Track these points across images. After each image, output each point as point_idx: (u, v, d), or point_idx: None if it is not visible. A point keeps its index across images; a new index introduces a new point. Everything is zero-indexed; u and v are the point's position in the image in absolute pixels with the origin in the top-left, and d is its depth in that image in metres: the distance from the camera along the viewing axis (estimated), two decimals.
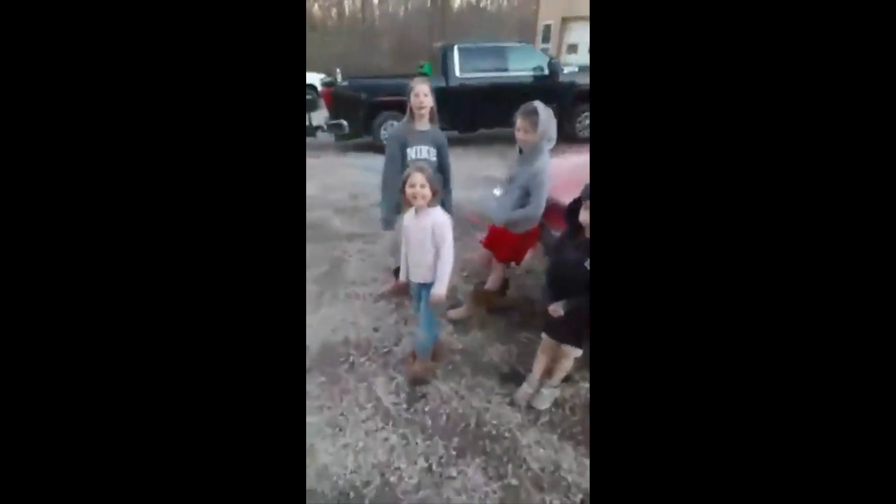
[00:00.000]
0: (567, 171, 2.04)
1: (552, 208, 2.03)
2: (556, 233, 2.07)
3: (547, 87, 6.06)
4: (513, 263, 2.34)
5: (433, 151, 2.25)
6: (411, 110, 2.19)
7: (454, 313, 2.42)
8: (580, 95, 6.12)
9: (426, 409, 1.84)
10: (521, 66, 6.10)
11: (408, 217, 1.85)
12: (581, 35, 10.86)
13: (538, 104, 1.93)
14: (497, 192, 2.82)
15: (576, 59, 8.84)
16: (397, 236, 2.44)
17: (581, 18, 10.76)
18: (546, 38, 11.46)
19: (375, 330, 2.33)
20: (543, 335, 1.80)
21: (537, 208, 1.99)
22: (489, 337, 2.28)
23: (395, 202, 2.32)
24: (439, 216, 1.74)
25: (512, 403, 1.85)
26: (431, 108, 2.18)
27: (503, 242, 2.19)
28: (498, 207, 2.16)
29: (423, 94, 2.13)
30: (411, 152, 2.22)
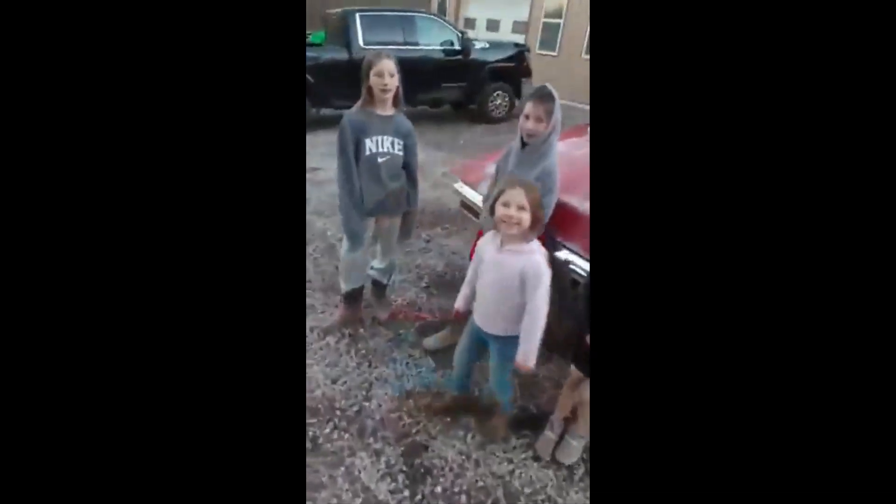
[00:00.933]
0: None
1: (556, 211, 1.67)
2: (566, 242, 1.72)
3: (459, 64, 5.74)
4: None
5: (399, 143, 1.74)
6: (370, 91, 1.64)
7: (431, 342, 1.96)
8: (492, 73, 5.88)
9: (436, 490, 1.39)
10: (431, 40, 5.62)
11: (487, 243, 1.35)
12: (478, 10, 10.59)
13: (551, 87, 1.54)
14: (459, 186, 2.38)
15: (473, 36, 8.56)
16: (356, 256, 1.88)
17: None
18: (442, 11, 11.00)
19: (334, 382, 1.78)
20: (573, 368, 1.46)
21: (547, 216, 1.62)
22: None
23: (365, 211, 1.77)
24: (535, 258, 1.25)
25: (537, 458, 1.50)
26: (397, 90, 1.66)
27: None
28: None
29: (388, 75, 1.60)
30: (370, 144, 1.68)
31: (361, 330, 2.06)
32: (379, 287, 2.14)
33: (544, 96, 1.54)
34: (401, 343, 2.00)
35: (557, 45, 8.23)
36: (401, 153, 1.75)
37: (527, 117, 1.56)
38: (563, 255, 1.74)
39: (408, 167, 1.82)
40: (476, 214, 2.26)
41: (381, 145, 1.70)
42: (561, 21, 8.05)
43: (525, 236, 1.26)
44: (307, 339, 1.98)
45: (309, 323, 2.07)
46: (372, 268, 2.08)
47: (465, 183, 2.41)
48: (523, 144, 1.64)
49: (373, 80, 1.61)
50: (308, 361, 1.85)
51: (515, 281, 1.26)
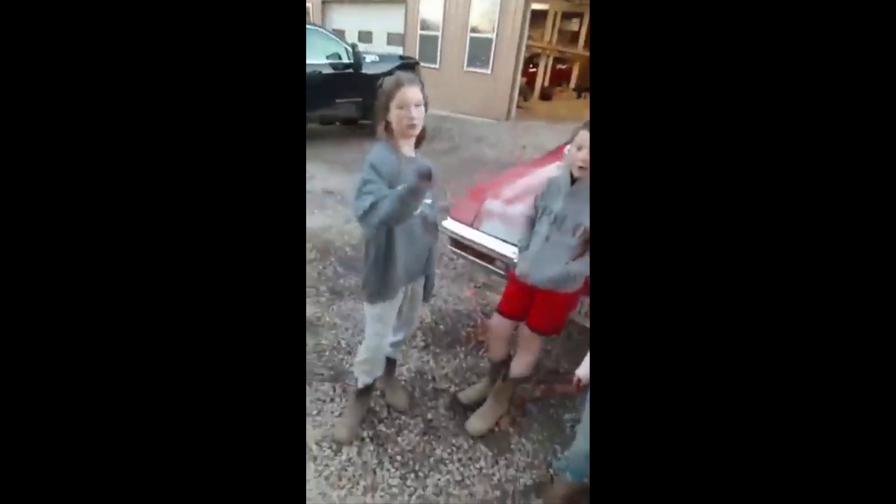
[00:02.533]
0: None
1: None
2: None
3: (350, 79, 5.30)
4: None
5: (429, 191, 1.37)
6: (388, 128, 1.25)
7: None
8: None
9: None
10: (317, 53, 5.07)
11: None
12: (346, 20, 9.98)
13: None
14: (452, 224, 2.07)
15: (362, 49, 8.05)
16: (385, 340, 1.44)
17: (342, 1, 9.90)
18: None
19: None
20: None
21: None
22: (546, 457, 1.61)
23: (399, 282, 1.36)
24: None
25: None
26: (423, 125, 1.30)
27: (547, 307, 1.52)
28: (537, 259, 1.46)
29: (414, 105, 1.23)
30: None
31: (381, 427, 1.62)
32: (391, 365, 1.72)
33: None
34: (438, 433, 1.62)
35: (438, 58, 8.26)
36: (429, 201, 1.39)
37: (579, 148, 1.35)
38: None
39: (435, 217, 1.46)
40: (488, 259, 1.98)
41: None
42: (438, 34, 8.09)
43: None
44: (318, 460, 1.47)
45: (312, 436, 1.55)
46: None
47: (456, 220, 2.12)
48: (573, 179, 1.43)
49: (395, 113, 1.23)
50: (338, 492, 1.36)
51: None
